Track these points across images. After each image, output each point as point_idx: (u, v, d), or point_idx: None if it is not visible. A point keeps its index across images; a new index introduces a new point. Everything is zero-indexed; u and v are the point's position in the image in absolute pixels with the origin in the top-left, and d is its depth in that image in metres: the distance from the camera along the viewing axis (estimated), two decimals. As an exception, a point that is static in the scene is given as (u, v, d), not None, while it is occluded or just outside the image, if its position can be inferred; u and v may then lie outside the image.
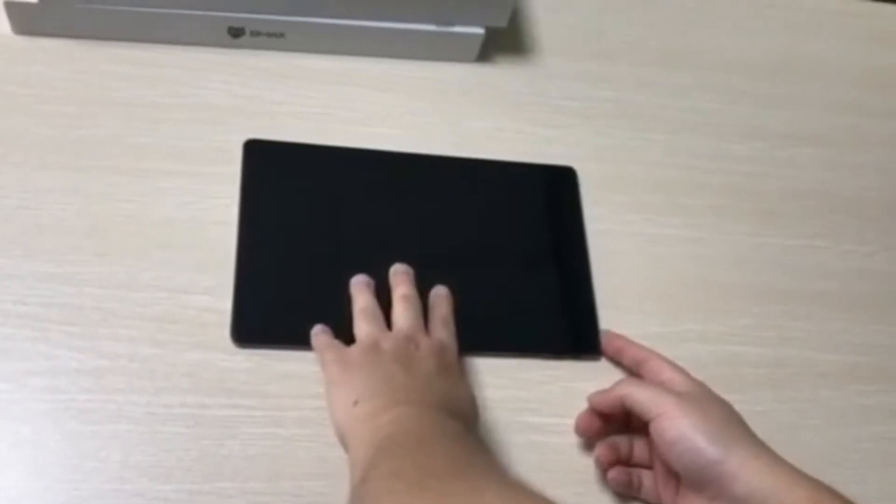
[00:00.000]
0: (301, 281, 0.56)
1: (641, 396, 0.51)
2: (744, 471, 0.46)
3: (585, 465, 0.54)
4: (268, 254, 0.56)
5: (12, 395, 0.49)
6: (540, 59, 0.70)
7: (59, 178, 0.56)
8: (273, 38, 0.63)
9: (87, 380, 0.50)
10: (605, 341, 0.58)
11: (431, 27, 0.65)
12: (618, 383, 0.53)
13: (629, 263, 0.62)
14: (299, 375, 0.52)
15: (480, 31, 0.66)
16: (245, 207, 0.57)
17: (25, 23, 0.59)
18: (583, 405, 0.54)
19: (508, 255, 0.60)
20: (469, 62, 0.68)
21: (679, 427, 0.48)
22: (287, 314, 0.54)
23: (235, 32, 0.62)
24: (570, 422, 0.55)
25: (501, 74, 0.68)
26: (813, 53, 0.77)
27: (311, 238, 0.57)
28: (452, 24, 0.65)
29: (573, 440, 0.55)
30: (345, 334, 0.53)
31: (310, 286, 0.56)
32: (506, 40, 0.69)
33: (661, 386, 0.52)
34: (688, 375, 0.53)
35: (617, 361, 0.57)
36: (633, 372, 0.56)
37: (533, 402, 0.55)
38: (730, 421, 0.50)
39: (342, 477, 0.46)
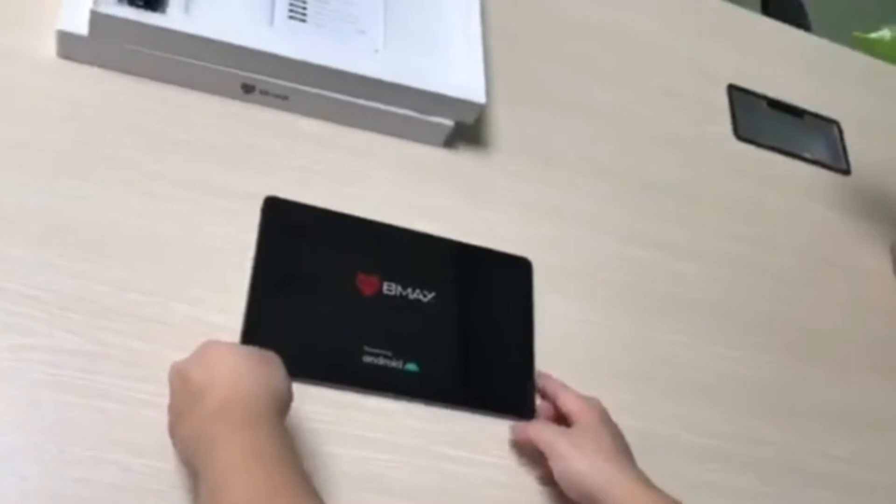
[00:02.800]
0: (300, 322, 0.66)
1: (542, 438, 0.64)
2: (611, 493, 0.59)
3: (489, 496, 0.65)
4: (277, 293, 0.66)
5: (13, 364, 0.58)
6: (498, 155, 0.83)
7: (77, 188, 0.65)
8: (278, 99, 0.74)
9: (81, 360, 0.59)
10: (537, 377, 0.70)
11: (410, 112, 0.77)
12: (529, 425, 0.66)
13: (558, 338, 0.74)
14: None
15: (450, 122, 0.78)
16: (261, 255, 0.67)
17: (70, 49, 0.69)
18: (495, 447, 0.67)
19: (470, 324, 0.72)
20: (437, 146, 0.80)
21: (569, 467, 0.62)
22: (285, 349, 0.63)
23: (248, 89, 0.73)
24: (481, 457, 0.66)
25: (462, 162, 0.81)
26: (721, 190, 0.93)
27: (311, 287, 0.68)
28: (428, 113, 0.78)
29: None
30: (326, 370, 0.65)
31: (305, 328, 0.66)
32: (471, 134, 0.82)
33: (565, 420, 0.66)
34: (588, 405, 0.66)
35: (543, 395, 0.70)
36: (552, 401, 0.69)
37: (449, 437, 0.66)
38: (615, 449, 0.63)
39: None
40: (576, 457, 0.61)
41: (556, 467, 0.62)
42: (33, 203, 0.64)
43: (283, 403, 0.53)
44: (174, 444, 0.54)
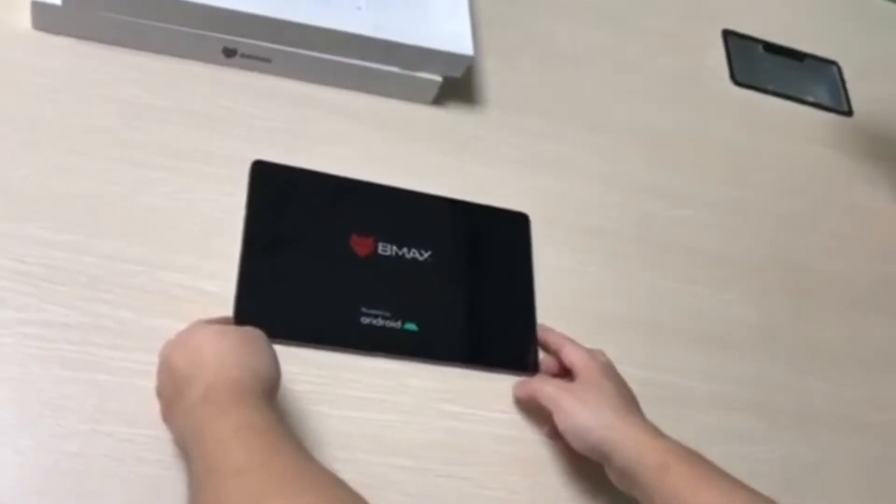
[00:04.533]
0: (294, 285, 0.65)
1: (545, 394, 0.62)
2: (620, 445, 0.58)
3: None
4: (269, 258, 0.65)
5: (5, 339, 0.57)
6: (490, 110, 0.81)
7: (59, 159, 0.64)
8: (261, 62, 0.73)
9: (72, 333, 0.58)
10: (539, 330, 0.69)
11: (396, 69, 0.76)
12: (531, 381, 0.65)
13: (560, 292, 0.73)
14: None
15: (438, 78, 0.77)
16: (251, 219, 0.66)
17: (45, 21, 0.68)
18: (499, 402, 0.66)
19: (469, 282, 0.70)
20: (426, 104, 0.79)
21: (574, 422, 0.60)
22: (279, 312, 0.63)
23: (229, 53, 0.71)
24: (483, 413, 0.65)
25: (453, 118, 0.79)
26: (720, 137, 0.91)
27: (304, 250, 0.67)
28: (415, 69, 0.76)
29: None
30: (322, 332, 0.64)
31: (299, 291, 0.65)
32: (461, 89, 0.80)
33: (569, 373, 0.65)
34: (591, 356, 0.65)
35: (545, 349, 0.69)
36: (555, 355, 0.68)
37: (451, 394, 0.65)
38: (621, 400, 0.61)
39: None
40: (580, 411, 0.60)
41: (561, 423, 0.61)
42: (15, 175, 0.62)
43: (270, 383, 0.51)
44: (169, 430, 0.54)
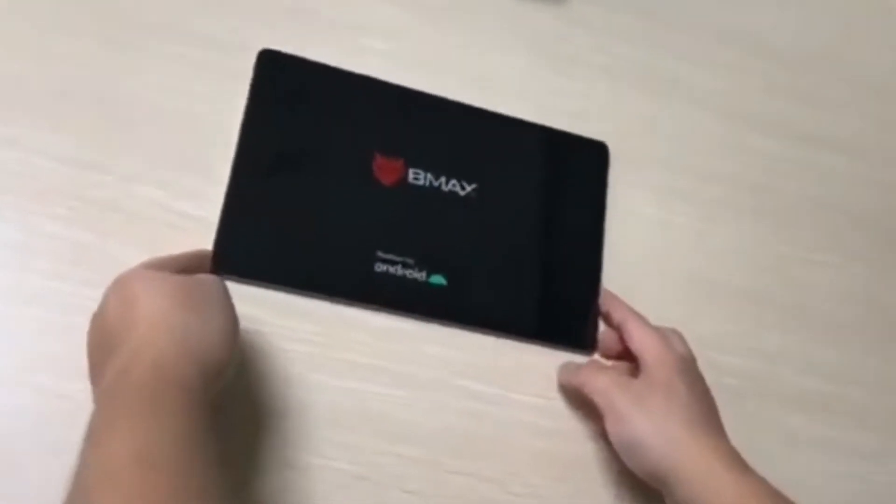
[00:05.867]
0: (295, 216, 0.52)
1: (596, 388, 0.49)
2: (687, 475, 0.44)
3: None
4: (267, 178, 0.52)
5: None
6: (582, 4, 0.63)
7: (19, 31, 0.51)
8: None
9: (8, 254, 0.47)
10: (602, 298, 0.55)
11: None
12: (581, 368, 0.51)
13: (639, 249, 0.58)
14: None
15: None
16: (249, 127, 0.52)
17: None
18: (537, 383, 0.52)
19: (520, 227, 0.55)
20: (496, -11, 0.62)
21: (628, 432, 0.46)
22: (273, 249, 0.51)
23: None
24: (516, 396, 0.52)
25: (533, 8, 0.62)
26: (865, 59, 0.70)
27: (313, 171, 0.53)
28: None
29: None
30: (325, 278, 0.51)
31: (301, 224, 0.52)
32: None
33: (632, 357, 0.51)
34: (664, 343, 0.50)
35: (607, 322, 0.55)
36: (618, 332, 0.53)
37: (478, 369, 0.52)
38: (697, 411, 0.47)
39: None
40: (639, 421, 0.46)
41: (612, 429, 0.47)
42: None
43: (214, 362, 0.38)
44: None
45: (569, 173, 0.58)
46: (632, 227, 0.58)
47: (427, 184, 0.54)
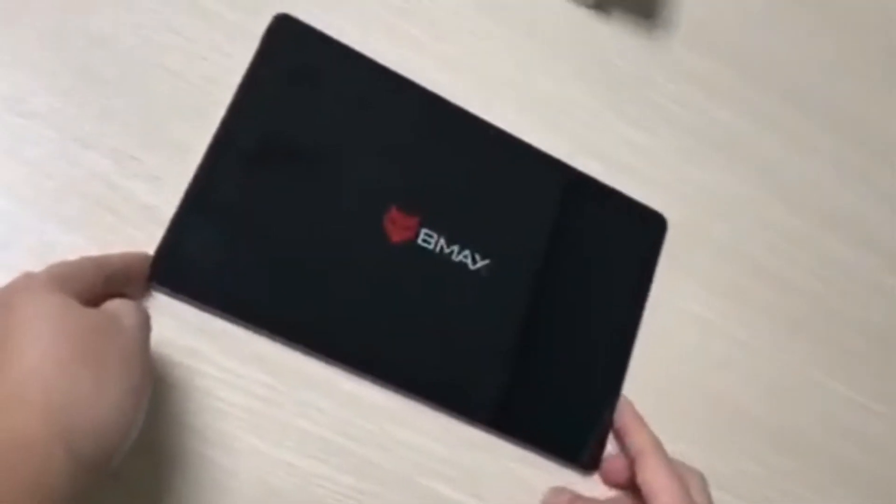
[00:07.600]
0: (270, 229, 0.41)
1: None
2: None
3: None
4: (245, 174, 0.41)
5: None
6: (661, 36, 0.52)
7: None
8: None
9: None
10: (618, 411, 0.45)
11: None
12: (576, 497, 0.42)
13: (668, 352, 0.47)
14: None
15: (610, -33, 0.48)
16: (240, 106, 0.41)
17: None
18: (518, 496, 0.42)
19: (536, 309, 0.44)
20: (581, 2, 0.51)
21: None
22: (234, 267, 0.40)
23: None
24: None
25: (609, 33, 0.51)
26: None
27: (306, 177, 0.42)
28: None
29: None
30: (290, 318, 0.39)
31: (276, 242, 0.41)
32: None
33: (633, 492, 0.41)
34: (680, 489, 0.40)
35: (620, 441, 0.44)
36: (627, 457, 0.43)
37: (452, 467, 0.42)
38: None
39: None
40: None
41: None
42: None
43: (96, 457, 0.28)
44: None
45: (611, 247, 0.47)
46: (671, 325, 0.48)
47: (437, 250, 0.43)
